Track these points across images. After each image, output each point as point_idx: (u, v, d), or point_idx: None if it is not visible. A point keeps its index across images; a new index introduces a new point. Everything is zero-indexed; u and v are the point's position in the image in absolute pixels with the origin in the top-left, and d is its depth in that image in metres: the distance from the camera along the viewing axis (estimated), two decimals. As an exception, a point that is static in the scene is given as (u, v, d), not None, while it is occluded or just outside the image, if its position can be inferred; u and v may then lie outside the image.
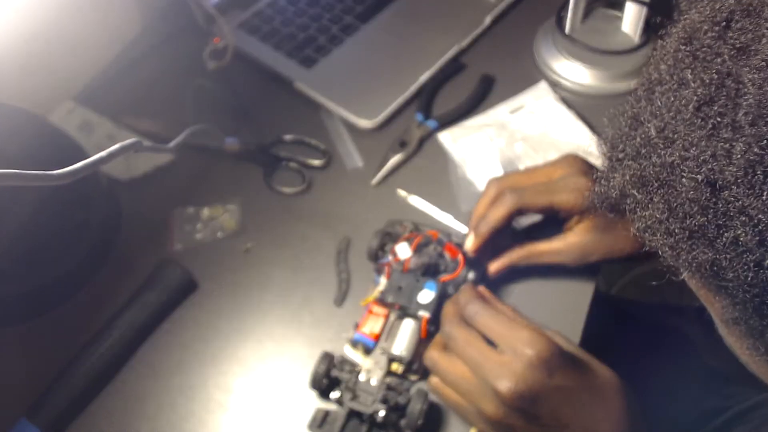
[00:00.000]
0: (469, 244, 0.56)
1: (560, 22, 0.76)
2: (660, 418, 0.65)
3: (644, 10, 0.72)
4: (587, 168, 0.56)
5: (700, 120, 0.26)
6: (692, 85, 0.27)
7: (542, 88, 0.73)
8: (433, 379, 0.51)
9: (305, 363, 0.57)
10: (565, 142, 0.68)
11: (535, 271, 0.59)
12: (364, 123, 0.72)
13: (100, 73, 0.79)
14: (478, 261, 0.58)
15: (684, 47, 0.28)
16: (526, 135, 0.68)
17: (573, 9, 0.75)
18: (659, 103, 0.29)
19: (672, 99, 0.28)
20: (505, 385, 0.44)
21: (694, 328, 0.73)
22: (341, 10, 0.83)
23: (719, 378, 0.67)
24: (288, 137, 0.72)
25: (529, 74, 0.76)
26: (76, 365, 0.55)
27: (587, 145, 0.67)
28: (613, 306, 0.87)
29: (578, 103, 0.73)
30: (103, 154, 0.40)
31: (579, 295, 0.59)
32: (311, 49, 0.79)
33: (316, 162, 0.70)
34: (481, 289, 0.55)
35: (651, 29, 0.74)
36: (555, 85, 0.74)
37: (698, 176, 0.26)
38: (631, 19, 0.74)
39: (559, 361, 0.45)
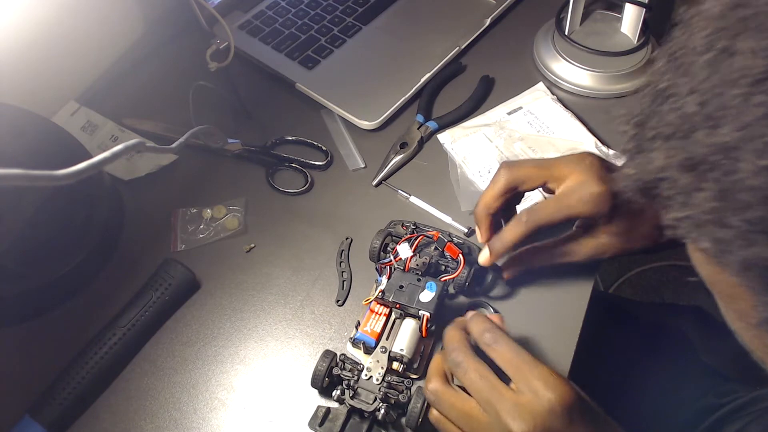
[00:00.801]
0: (483, 259, 0.55)
1: (559, 24, 0.77)
2: (656, 416, 0.66)
3: (643, 11, 0.73)
4: (604, 172, 0.52)
5: (758, 96, 0.23)
6: (746, 55, 0.23)
7: (540, 90, 0.74)
8: (434, 413, 0.47)
9: (307, 361, 0.58)
10: (562, 141, 0.68)
11: (534, 270, 0.60)
12: (365, 124, 0.73)
13: (103, 74, 0.80)
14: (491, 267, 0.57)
15: (733, 12, 0.25)
16: (525, 135, 0.69)
17: (572, 11, 0.75)
18: (699, 76, 0.25)
19: (715, 71, 0.25)
20: (520, 427, 0.40)
21: (691, 327, 0.73)
22: (342, 12, 0.83)
23: (715, 376, 0.67)
24: (290, 138, 0.73)
25: (529, 75, 0.77)
26: (80, 363, 0.56)
27: (583, 144, 0.68)
28: (611, 305, 0.87)
29: (578, 104, 0.73)
30: (106, 154, 0.40)
31: (577, 294, 0.60)
32: (312, 50, 0.80)
33: (318, 162, 0.70)
34: (495, 317, 0.51)
35: (650, 30, 0.75)
36: (554, 86, 0.75)
37: (760, 161, 0.23)
38: (630, 21, 0.75)
39: (579, 409, 0.41)
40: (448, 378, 0.46)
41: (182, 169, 0.71)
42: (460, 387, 0.46)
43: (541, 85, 0.74)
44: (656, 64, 0.28)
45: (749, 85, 0.23)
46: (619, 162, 0.52)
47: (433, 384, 0.45)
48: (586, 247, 0.55)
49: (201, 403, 0.56)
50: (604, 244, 0.55)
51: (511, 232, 0.52)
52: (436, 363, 0.48)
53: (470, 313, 0.48)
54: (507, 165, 0.52)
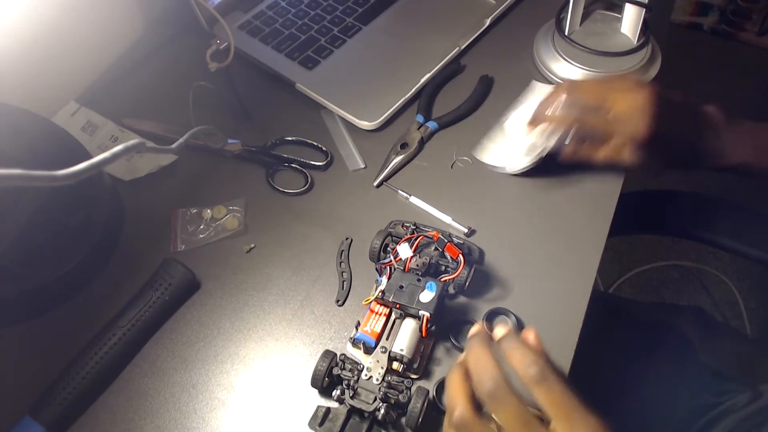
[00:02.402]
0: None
1: (559, 24, 0.77)
2: (656, 415, 0.66)
3: (643, 11, 0.73)
4: (659, 105, 0.58)
5: None
6: None
7: (540, 90, 0.73)
8: None
9: (307, 361, 0.58)
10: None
11: (534, 270, 0.60)
12: (365, 124, 0.73)
13: (103, 74, 0.80)
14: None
15: None
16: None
17: (572, 11, 0.75)
18: None
19: None
20: None
21: (691, 327, 0.73)
22: (342, 12, 0.83)
23: (714, 376, 0.67)
24: (290, 138, 0.73)
25: (529, 75, 0.77)
26: (80, 363, 0.56)
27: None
28: (611, 305, 0.87)
29: (577, 104, 0.73)
30: (106, 154, 0.40)
31: (577, 294, 0.60)
32: (312, 50, 0.80)
33: (318, 163, 0.70)
34: (532, 338, 0.44)
35: (649, 30, 0.75)
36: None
37: None
38: (630, 21, 0.75)
39: None
40: (475, 405, 0.40)
41: (182, 169, 0.71)
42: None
43: (540, 85, 0.74)
44: None
45: None
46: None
47: (462, 412, 0.40)
48: (605, 152, 0.62)
49: (201, 403, 0.56)
50: (624, 154, 0.61)
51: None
52: (460, 386, 0.41)
53: (499, 330, 0.42)
54: (570, 82, 0.61)
